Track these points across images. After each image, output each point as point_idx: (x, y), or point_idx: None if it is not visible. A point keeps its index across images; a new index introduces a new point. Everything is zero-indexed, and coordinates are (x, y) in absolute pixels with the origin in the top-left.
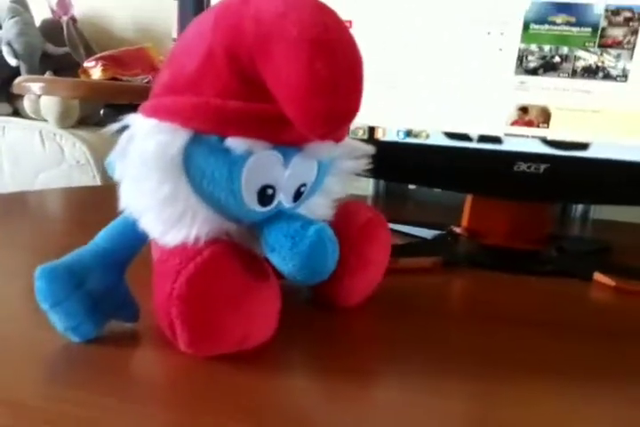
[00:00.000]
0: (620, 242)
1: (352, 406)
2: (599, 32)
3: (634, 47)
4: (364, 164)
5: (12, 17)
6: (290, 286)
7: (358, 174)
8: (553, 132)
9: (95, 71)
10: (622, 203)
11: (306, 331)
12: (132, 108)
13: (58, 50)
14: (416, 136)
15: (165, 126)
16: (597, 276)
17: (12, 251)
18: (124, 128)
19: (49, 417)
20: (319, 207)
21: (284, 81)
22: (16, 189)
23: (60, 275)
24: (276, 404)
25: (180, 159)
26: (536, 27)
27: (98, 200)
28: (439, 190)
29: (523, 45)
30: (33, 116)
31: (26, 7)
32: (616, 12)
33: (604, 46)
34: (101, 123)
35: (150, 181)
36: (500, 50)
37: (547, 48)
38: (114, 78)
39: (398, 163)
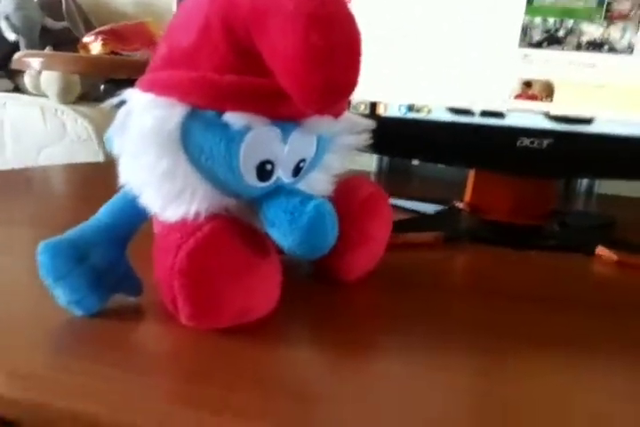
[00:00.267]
0: (624, 217)
1: (355, 378)
2: (605, 4)
3: None
4: (364, 139)
5: None
6: (291, 261)
7: (359, 150)
8: (556, 107)
9: (95, 46)
10: (626, 177)
11: (307, 304)
12: (132, 83)
13: (57, 24)
14: (418, 111)
15: (162, 101)
16: (600, 250)
17: (16, 227)
18: (123, 103)
19: (56, 387)
20: (319, 183)
21: (280, 53)
22: (19, 165)
23: (62, 250)
24: (278, 375)
25: (177, 134)
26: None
27: (101, 176)
28: (442, 166)
29: (527, 18)
30: (34, 91)
31: None
32: None
33: (609, 19)
34: (103, 98)
35: (148, 156)
36: (504, 22)
37: (551, 21)
38: (113, 53)
39: (400, 138)
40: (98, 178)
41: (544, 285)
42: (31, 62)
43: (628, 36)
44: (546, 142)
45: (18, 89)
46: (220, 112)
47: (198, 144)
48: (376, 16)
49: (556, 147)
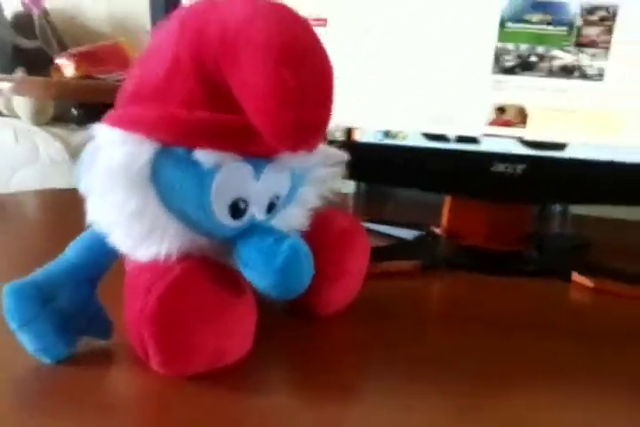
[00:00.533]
0: (599, 238)
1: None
2: (575, 31)
3: (609, 46)
4: (339, 171)
5: None
6: (265, 297)
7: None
8: (530, 133)
9: (68, 69)
10: (600, 202)
11: (282, 342)
12: (104, 107)
13: (29, 43)
14: (394, 137)
15: (131, 137)
16: (575, 276)
17: None
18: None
19: None
20: (294, 218)
21: (250, 90)
22: None
23: (28, 293)
24: (252, 425)
25: (146, 172)
26: (512, 25)
27: (73, 202)
28: None
29: (499, 44)
30: (6, 112)
31: None
32: (591, 10)
33: (580, 45)
34: (76, 120)
35: (117, 195)
36: (477, 49)
37: (523, 47)
38: (87, 75)
39: (376, 164)
40: (70, 204)
41: (521, 311)
42: (1, 88)
43: (598, 62)
44: (520, 168)
45: None
46: (190, 149)
47: (168, 182)
48: (351, 42)
49: (530, 172)
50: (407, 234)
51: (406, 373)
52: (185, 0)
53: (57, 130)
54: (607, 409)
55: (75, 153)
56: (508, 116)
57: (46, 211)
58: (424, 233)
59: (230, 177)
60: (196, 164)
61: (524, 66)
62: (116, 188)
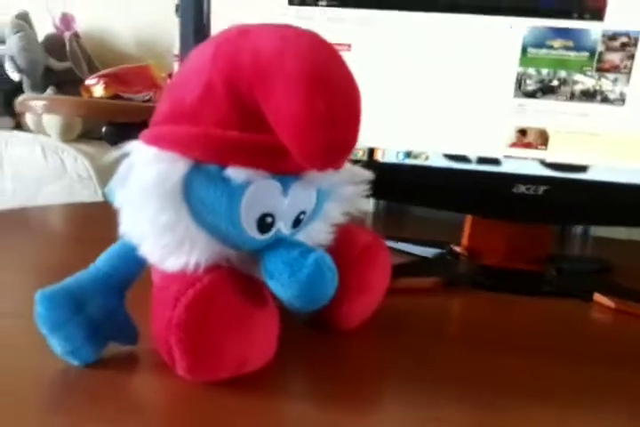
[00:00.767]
0: (620, 260)
1: None
2: (596, 56)
3: (630, 71)
4: (363, 189)
5: (16, 32)
6: (287, 309)
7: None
8: (551, 155)
9: (97, 89)
10: (621, 224)
11: (304, 354)
12: (133, 126)
13: (60, 65)
14: (416, 157)
15: (165, 155)
16: (597, 297)
17: (13, 268)
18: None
19: None
20: (318, 233)
21: (283, 116)
22: (18, 203)
23: (59, 299)
24: None
25: (179, 188)
26: (533, 51)
27: (99, 216)
28: None
29: (521, 69)
30: (35, 130)
31: (29, 23)
32: (613, 37)
33: (601, 70)
34: (105, 137)
35: (150, 210)
36: (499, 73)
37: (545, 72)
38: (116, 95)
39: (398, 184)
40: (96, 218)
41: (542, 331)
42: (34, 106)
43: (619, 86)
44: (542, 189)
45: (19, 126)
46: (222, 166)
47: (200, 198)
48: (375, 65)
49: (551, 193)
50: (427, 252)
51: (426, 387)
52: (213, 27)
53: (84, 146)
54: None
55: (100, 169)
56: (529, 138)
57: (71, 224)
58: (444, 251)
59: (259, 193)
60: (227, 180)
61: (546, 90)
62: (149, 203)
